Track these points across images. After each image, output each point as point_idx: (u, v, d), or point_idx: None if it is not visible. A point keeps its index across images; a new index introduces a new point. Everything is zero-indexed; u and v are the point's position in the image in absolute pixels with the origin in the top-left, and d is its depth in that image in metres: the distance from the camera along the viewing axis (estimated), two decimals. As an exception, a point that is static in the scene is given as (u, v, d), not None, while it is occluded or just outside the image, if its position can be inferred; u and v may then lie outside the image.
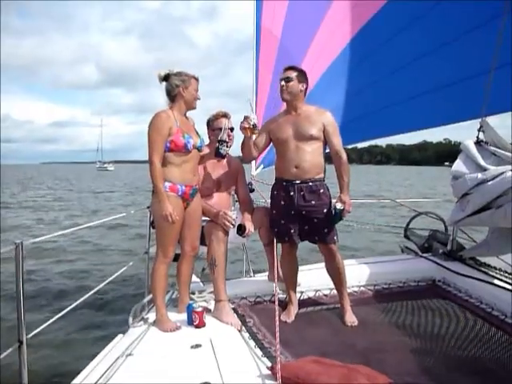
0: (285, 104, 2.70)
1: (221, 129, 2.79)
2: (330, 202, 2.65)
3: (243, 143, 2.71)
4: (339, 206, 2.52)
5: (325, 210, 2.60)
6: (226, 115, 2.90)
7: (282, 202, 2.64)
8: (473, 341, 2.30)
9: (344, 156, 2.62)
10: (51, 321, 2.17)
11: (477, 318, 2.57)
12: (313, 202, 2.58)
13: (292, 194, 2.59)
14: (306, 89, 2.68)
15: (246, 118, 2.57)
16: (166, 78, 2.41)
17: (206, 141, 2.81)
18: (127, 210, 3.95)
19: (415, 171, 74.82)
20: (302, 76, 2.65)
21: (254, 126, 2.56)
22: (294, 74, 2.61)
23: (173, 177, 2.36)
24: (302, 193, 2.58)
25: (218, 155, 2.72)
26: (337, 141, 2.63)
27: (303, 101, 2.67)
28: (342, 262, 2.73)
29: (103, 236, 10.09)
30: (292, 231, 2.65)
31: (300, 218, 2.62)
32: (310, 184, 2.59)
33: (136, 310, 2.59)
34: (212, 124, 2.91)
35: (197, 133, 2.52)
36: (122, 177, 52.39)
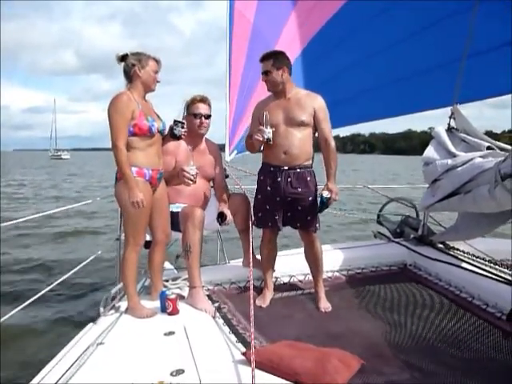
0: (259, 87, 2.64)
1: (196, 115, 2.74)
2: (316, 189, 2.62)
3: (252, 144, 2.65)
4: (326, 194, 2.49)
5: (310, 198, 2.58)
6: (203, 100, 2.79)
7: (269, 188, 2.60)
8: (442, 322, 2.36)
9: (333, 143, 2.58)
10: (16, 310, 2.09)
11: (446, 300, 2.65)
12: (299, 190, 2.55)
13: (279, 180, 2.56)
14: (290, 68, 2.60)
15: (260, 130, 2.48)
16: (123, 58, 2.31)
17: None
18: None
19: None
20: (280, 60, 2.54)
21: (268, 140, 2.48)
22: (270, 64, 2.52)
23: (138, 161, 2.27)
24: (289, 179, 2.55)
25: (173, 136, 2.63)
26: (327, 127, 2.58)
27: (290, 82, 2.60)
28: (321, 249, 2.73)
29: (72, 223, 9.79)
30: (276, 217, 2.62)
31: (285, 205, 2.60)
32: (298, 171, 2.56)
33: (107, 298, 2.51)
34: (189, 109, 2.80)
35: (157, 116, 2.43)
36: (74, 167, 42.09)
